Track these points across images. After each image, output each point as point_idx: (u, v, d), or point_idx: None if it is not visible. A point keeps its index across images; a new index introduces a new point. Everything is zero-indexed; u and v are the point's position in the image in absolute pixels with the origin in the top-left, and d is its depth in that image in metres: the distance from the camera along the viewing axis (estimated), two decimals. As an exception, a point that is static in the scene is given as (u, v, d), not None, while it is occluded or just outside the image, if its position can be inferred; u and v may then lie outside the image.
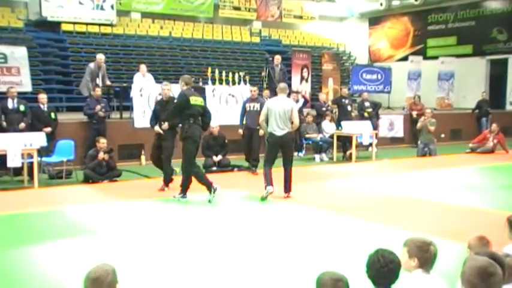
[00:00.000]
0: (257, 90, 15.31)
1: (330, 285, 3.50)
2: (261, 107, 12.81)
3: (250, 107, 14.61)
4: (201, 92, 17.36)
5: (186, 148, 10.92)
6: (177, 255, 7.34)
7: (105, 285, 3.34)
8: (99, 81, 15.85)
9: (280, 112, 11.15)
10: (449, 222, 9.06)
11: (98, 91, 15.02)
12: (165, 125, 11.75)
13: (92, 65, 16.09)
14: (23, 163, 12.27)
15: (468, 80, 26.49)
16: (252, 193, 11.57)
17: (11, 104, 13.77)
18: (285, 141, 11.38)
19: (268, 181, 11.23)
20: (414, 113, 20.88)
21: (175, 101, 11.45)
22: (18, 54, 16.49)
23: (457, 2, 28.24)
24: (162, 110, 11.95)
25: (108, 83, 16.40)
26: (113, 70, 20.46)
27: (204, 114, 11.32)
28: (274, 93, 16.93)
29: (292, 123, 11.30)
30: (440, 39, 29.23)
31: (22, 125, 13.45)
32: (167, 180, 12.00)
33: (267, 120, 11.30)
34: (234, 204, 10.82)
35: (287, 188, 11.47)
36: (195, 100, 11.01)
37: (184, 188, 10.97)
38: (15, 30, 22.37)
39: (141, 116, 15.98)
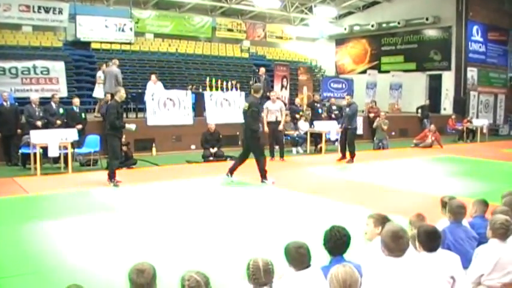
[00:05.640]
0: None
1: (294, 252, 3.54)
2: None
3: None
4: (201, 97, 17.47)
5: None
6: (180, 228, 7.39)
7: (149, 278, 2.98)
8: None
9: None
10: (397, 202, 9.08)
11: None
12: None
13: (116, 68, 15.99)
14: (60, 153, 12.26)
15: (413, 90, 26.57)
16: (240, 178, 11.62)
17: (54, 107, 13.83)
18: None
19: None
20: (371, 115, 20.93)
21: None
22: (58, 68, 16.48)
23: (404, 29, 28.27)
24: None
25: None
26: (131, 79, 20.36)
27: None
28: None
29: None
30: (391, 58, 29.23)
31: (58, 122, 13.46)
32: None
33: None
34: (227, 186, 10.87)
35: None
36: None
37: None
38: (56, 49, 22.48)
39: (153, 115, 15.96)
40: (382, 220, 4.20)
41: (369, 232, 4.16)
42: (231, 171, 11.11)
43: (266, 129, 14.39)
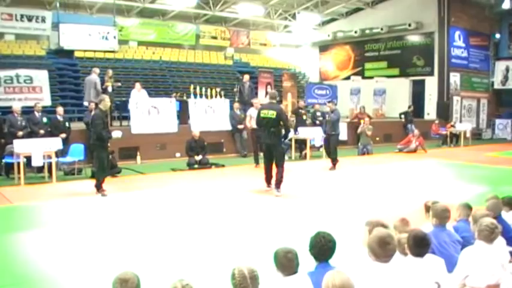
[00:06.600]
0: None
1: (282, 257, 3.57)
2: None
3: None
4: (185, 105, 17.46)
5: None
6: (165, 237, 7.37)
7: (134, 287, 2.95)
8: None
9: None
10: (382, 207, 9.09)
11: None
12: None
13: (95, 76, 15.70)
14: (44, 163, 12.18)
15: (396, 96, 26.76)
16: (229, 184, 11.60)
17: (37, 116, 13.77)
18: None
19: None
20: (362, 121, 20.63)
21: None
22: (41, 76, 16.25)
23: (387, 35, 28.51)
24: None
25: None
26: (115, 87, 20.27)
27: None
28: (244, 104, 17.13)
29: None
30: (375, 63, 29.47)
31: (42, 131, 13.40)
32: None
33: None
34: (212, 194, 10.85)
35: None
36: None
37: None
38: (39, 58, 22.42)
39: (137, 123, 15.91)
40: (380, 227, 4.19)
41: (365, 239, 4.15)
42: (269, 181, 11.01)
43: None
